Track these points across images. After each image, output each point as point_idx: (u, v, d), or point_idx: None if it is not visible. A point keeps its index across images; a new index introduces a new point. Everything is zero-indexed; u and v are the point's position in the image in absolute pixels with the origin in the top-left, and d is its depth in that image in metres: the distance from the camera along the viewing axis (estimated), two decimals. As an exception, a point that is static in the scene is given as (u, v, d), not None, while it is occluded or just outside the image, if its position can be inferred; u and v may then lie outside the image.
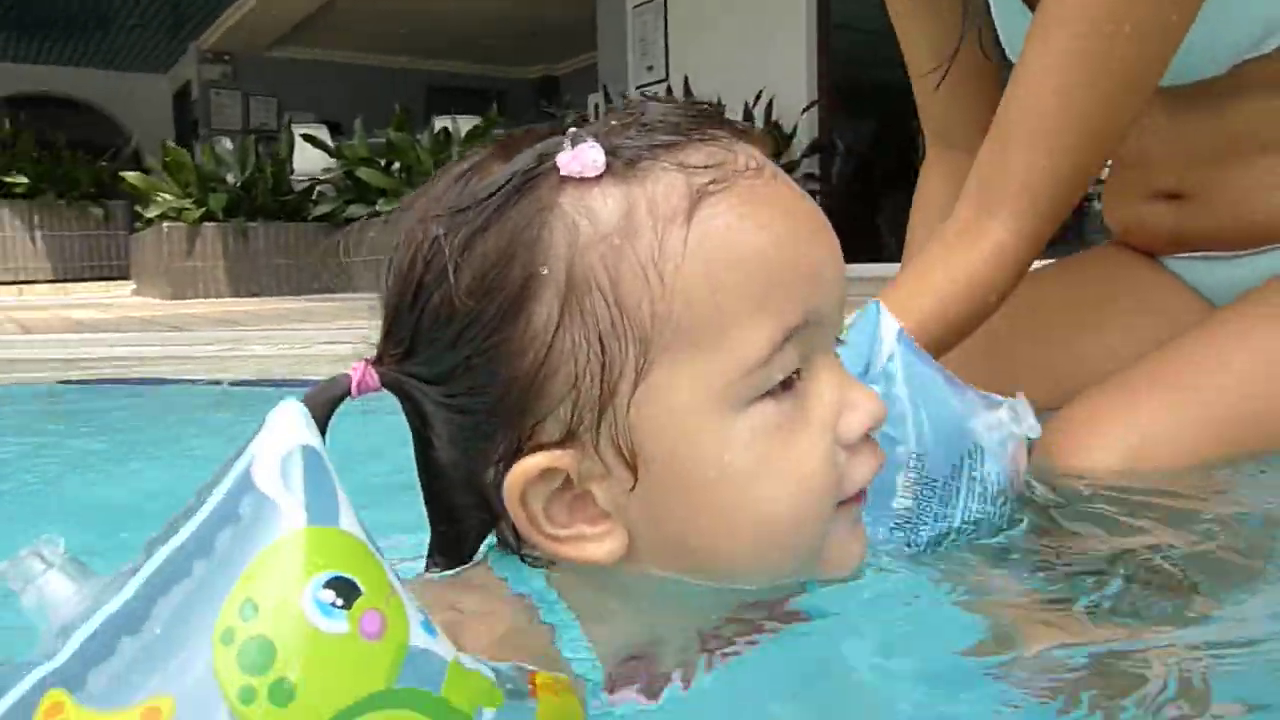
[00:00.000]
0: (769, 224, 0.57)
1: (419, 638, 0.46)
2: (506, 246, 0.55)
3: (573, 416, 0.57)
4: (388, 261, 0.58)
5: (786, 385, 0.58)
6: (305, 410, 0.50)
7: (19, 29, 11.95)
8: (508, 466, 0.57)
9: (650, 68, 8.92)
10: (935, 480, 0.80)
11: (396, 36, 11.79)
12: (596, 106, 9.05)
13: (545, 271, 0.55)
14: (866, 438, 0.61)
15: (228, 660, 0.42)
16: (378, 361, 0.57)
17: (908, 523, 0.79)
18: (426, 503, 0.62)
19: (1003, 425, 0.83)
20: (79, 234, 8.31)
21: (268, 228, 7.05)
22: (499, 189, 0.55)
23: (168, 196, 6.95)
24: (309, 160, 7.67)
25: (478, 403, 0.57)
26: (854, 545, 0.63)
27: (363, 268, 5.88)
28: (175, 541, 0.45)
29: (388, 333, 0.58)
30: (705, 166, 0.56)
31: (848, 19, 6.67)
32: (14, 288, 7.80)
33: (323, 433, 0.54)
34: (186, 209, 6.77)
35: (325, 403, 0.55)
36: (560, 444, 0.57)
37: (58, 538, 0.47)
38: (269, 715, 0.42)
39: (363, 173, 6.73)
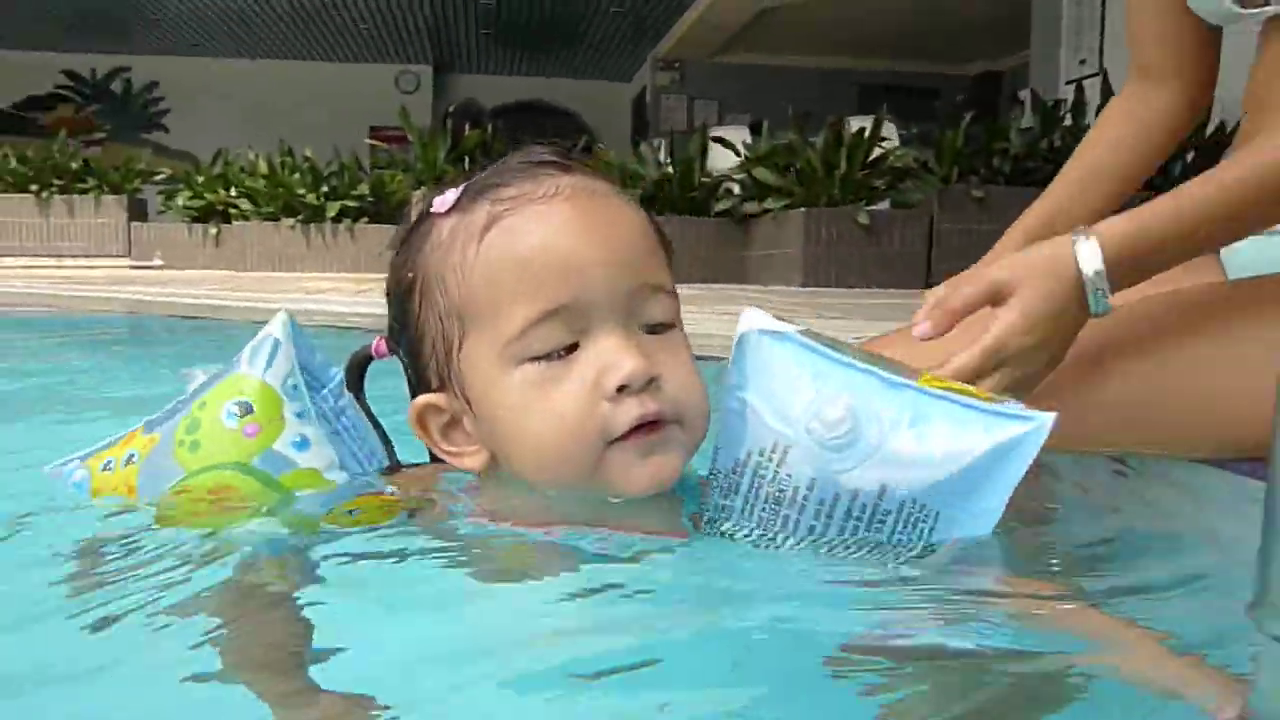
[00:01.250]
0: (535, 236, 0.80)
1: (282, 446, 0.89)
2: (401, 261, 0.89)
3: (440, 369, 0.86)
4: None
5: (565, 352, 0.80)
6: (287, 317, 0.95)
7: (506, 46, 13.99)
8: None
9: (1083, 61, 8.38)
10: (718, 471, 0.83)
11: (829, 39, 12.09)
12: (1021, 105, 8.68)
13: (411, 276, 0.87)
14: (639, 392, 0.79)
15: (180, 426, 0.90)
16: (388, 336, 0.93)
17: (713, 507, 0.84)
18: None
19: (839, 429, 0.76)
20: (532, 223, 9.64)
21: (675, 221, 7.71)
22: (410, 226, 0.90)
23: (595, 191, 7.87)
24: (729, 159, 8.24)
25: (408, 359, 0.90)
26: (639, 471, 0.81)
27: (755, 261, 6.27)
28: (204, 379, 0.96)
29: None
30: (509, 198, 0.82)
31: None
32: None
33: (361, 379, 0.99)
34: (606, 203, 7.63)
35: (360, 360, 0.98)
36: (438, 389, 0.88)
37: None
38: (182, 456, 0.88)
39: (758, 172, 7.12)
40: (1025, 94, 8.51)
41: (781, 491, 0.78)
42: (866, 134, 6.80)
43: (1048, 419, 0.74)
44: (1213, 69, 1.31)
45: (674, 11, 11.64)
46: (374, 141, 11.73)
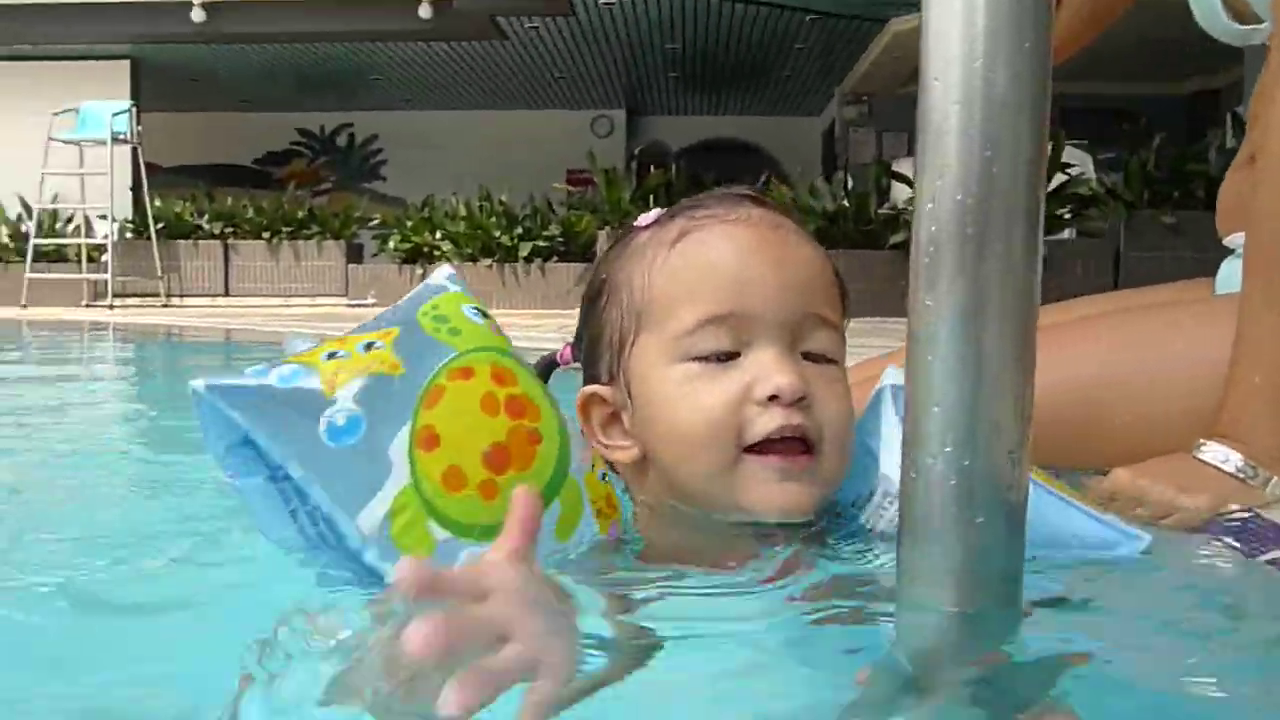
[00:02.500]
0: (718, 247, 0.89)
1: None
2: (600, 266, 0.99)
3: (610, 363, 0.94)
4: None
5: (724, 359, 0.86)
6: (452, 271, 0.95)
7: (695, 88, 14.33)
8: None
9: (1301, 75, 7.79)
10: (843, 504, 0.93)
11: (1024, 64, 11.71)
12: (1231, 118, 8.15)
13: (603, 277, 0.97)
14: (781, 408, 0.84)
15: (425, 316, 0.87)
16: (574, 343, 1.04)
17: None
18: None
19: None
20: (713, 258, 9.85)
21: (850, 255, 7.70)
22: (621, 238, 0.99)
23: (770, 227, 7.98)
24: (908, 193, 8.17)
25: (585, 355, 0.99)
26: (771, 490, 0.84)
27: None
28: None
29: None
30: (701, 217, 0.91)
31: None
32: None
33: (545, 381, 0.95)
34: (779, 238, 7.73)
35: (546, 363, 1.08)
36: (607, 383, 0.94)
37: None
38: (446, 338, 0.85)
39: (932, 203, 7.03)
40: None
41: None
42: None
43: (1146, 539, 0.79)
44: None
45: (860, 46, 11.63)
46: (563, 186, 12.31)
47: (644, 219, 0.96)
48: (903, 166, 8.88)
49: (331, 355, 0.79)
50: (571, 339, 1.07)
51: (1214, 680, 0.59)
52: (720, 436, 0.84)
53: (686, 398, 0.86)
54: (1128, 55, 11.43)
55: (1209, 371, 0.99)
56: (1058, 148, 6.69)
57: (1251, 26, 1.16)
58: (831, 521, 0.91)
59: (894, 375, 0.93)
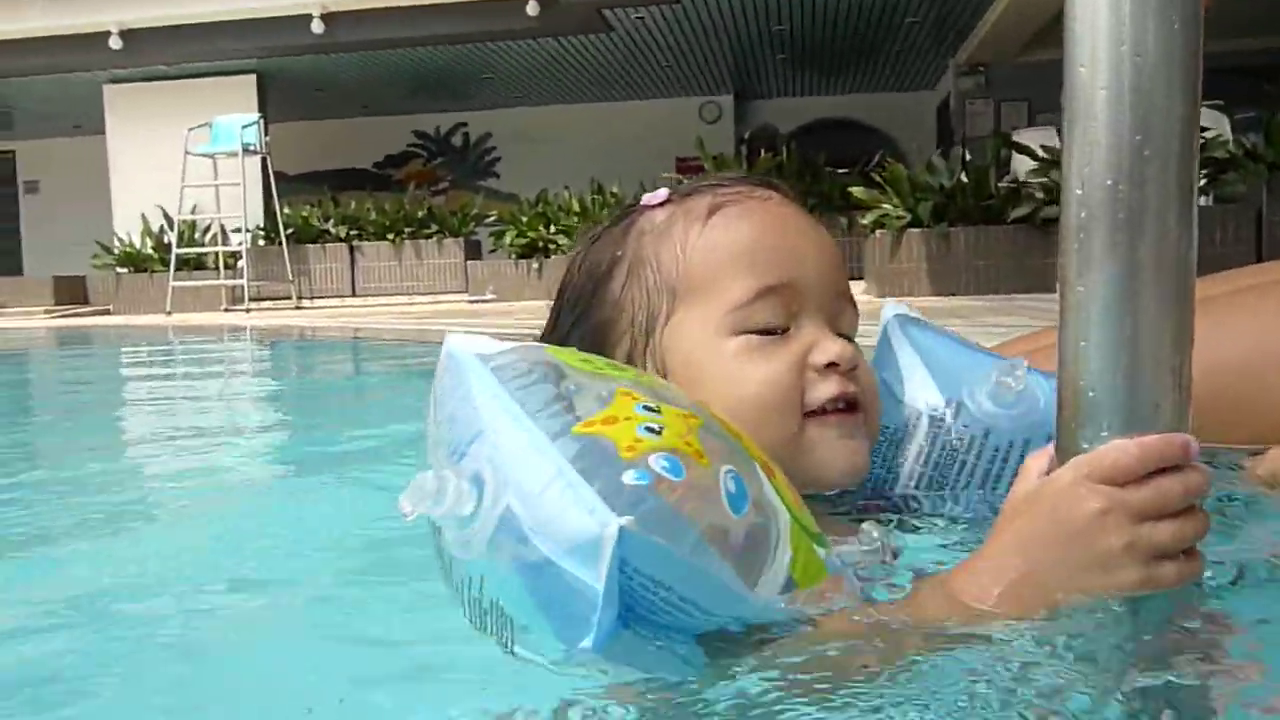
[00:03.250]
0: (760, 221, 0.89)
1: None
2: (604, 246, 0.94)
3: (631, 345, 0.90)
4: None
5: (773, 332, 0.86)
6: None
7: (804, 69, 14.13)
8: None
9: None
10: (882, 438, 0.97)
11: (1151, 23, 11.17)
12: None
13: (619, 254, 0.92)
14: (838, 375, 0.86)
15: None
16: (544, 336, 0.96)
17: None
18: None
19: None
20: (827, 241, 9.74)
21: (968, 231, 7.51)
22: (611, 220, 0.97)
23: (886, 206, 7.85)
24: (1028, 165, 7.91)
25: (584, 342, 0.91)
26: (839, 448, 0.86)
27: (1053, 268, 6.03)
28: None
29: (554, 316, 0.97)
30: (729, 193, 0.91)
31: None
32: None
33: None
34: (895, 217, 7.58)
35: None
36: (629, 361, 0.90)
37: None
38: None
39: (1056, 175, 6.80)
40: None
41: (959, 440, 0.93)
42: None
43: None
44: None
45: (973, 15, 11.29)
46: (673, 175, 12.33)
47: (651, 198, 0.94)
48: (1024, 137, 8.60)
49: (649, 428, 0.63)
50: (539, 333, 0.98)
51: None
52: (790, 402, 0.85)
53: (748, 372, 0.85)
54: (1263, 8, 10.78)
55: None
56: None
57: None
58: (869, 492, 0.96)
59: (894, 307, 1.02)
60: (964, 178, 7.59)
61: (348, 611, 0.87)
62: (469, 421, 0.61)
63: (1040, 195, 7.39)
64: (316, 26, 11.26)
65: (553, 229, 10.83)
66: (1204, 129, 6.51)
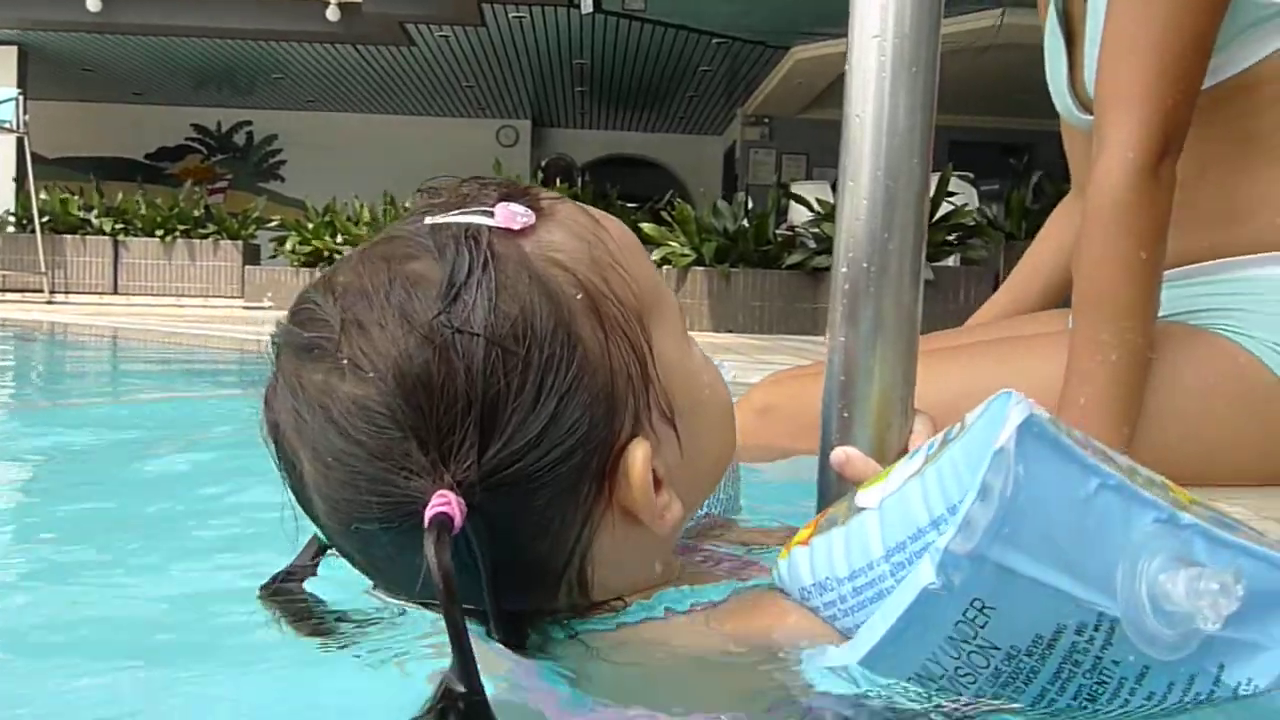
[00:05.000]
0: (615, 220, 0.70)
1: None
2: (530, 300, 0.59)
3: (635, 404, 0.63)
4: (384, 393, 0.56)
5: None
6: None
7: (601, 103, 14.54)
8: (607, 485, 0.62)
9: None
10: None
11: (916, 96, 12.25)
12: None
13: (579, 297, 0.61)
14: None
15: None
16: (454, 487, 0.55)
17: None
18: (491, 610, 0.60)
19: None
20: (615, 272, 10.02)
21: (748, 273, 7.97)
22: (473, 267, 0.59)
23: (673, 244, 8.20)
24: (808, 214, 8.48)
25: (571, 444, 0.59)
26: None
27: (825, 314, 6.59)
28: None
29: (449, 453, 0.56)
30: (557, 196, 0.68)
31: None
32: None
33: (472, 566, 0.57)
34: (681, 255, 7.94)
35: (444, 550, 0.52)
36: (633, 435, 0.63)
37: None
38: None
39: (828, 227, 7.35)
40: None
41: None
42: (932, 191, 6.96)
43: None
44: None
45: (762, 70, 11.99)
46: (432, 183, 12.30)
47: (512, 218, 0.62)
48: (802, 189, 9.23)
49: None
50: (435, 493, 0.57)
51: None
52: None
53: (710, 368, 0.73)
54: (1015, 92, 12.07)
55: (1054, 390, 1.18)
56: (944, 178, 7.07)
57: (1092, 116, 1.36)
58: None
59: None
60: (746, 223, 8.05)
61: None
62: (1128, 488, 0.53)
63: (813, 245, 7.96)
64: (92, 4, 10.55)
65: (339, 239, 10.58)
66: (952, 194, 7.23)
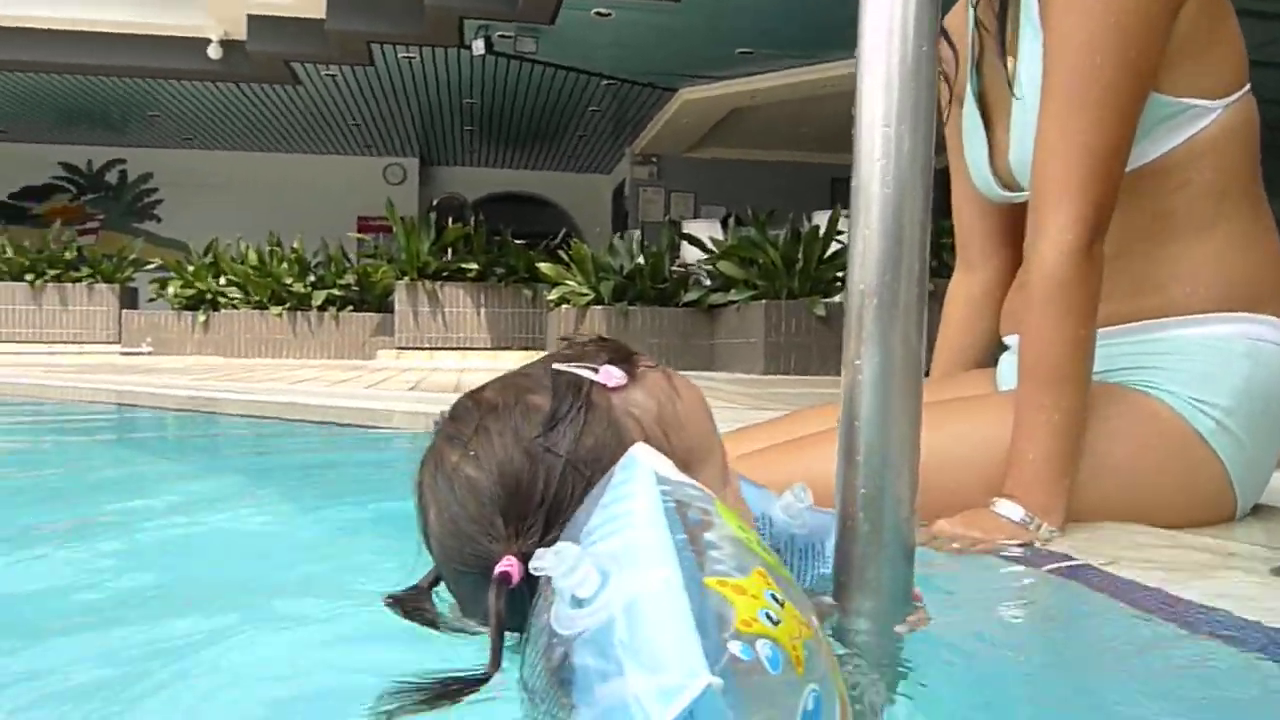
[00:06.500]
0: (692, 385, 0.90)
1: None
2: (601, 439, 0.79)
3: None
4: (489, 480, 0.78)
5: None
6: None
7: (490, 141, 14.56)
8: None
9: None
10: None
11: (800, 136, 12.68)
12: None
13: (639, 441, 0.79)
14: None
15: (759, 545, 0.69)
16: (519, 555, 0.74)
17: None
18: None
19: None
20: (511, 310, 10.01)
21: (645, 311, 8.08)
22: (572, 407, 0.80)
23: (571, 283, 8.26)
24: (700, 252, 8.67)
25: None
26: None
27: (721, 349, 6.63)
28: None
29: (521, 531, 0.76)
30: (653, 366, 0.88)
31: None
32: (459, 353, 9.63)
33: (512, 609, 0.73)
34: (579, 294, 8.01)
35: (500, 597, 0.73)
36: None
37: None
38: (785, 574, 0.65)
39: (723, 265, 7.53)
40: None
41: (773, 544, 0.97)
42: (822, 231, 7.21)
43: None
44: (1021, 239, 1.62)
45: (649, 110, 12.22)
46: (359, 235, 12.17)
47: (609, 379, 0.83)
48: (692, 226, 9.43)
49: (768, 617, 0.60)
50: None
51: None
52: None
53: (743, 505, 0.94)
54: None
55: (997, 451, 1.28)
56: (834, 218, 7.33)
57: (1014, 194, 1.48)
58: None
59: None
60: (642, 261, 8.17)
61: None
62: (619, 518, 0.64)
63: (707, 282, 8.13)
64: (-48, 38, 10.07)
65: (223, 281, 10.29)
66: (840, 233, 7.52)
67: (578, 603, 0.59)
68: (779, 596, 0.61)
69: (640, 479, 0.68)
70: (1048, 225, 1.22)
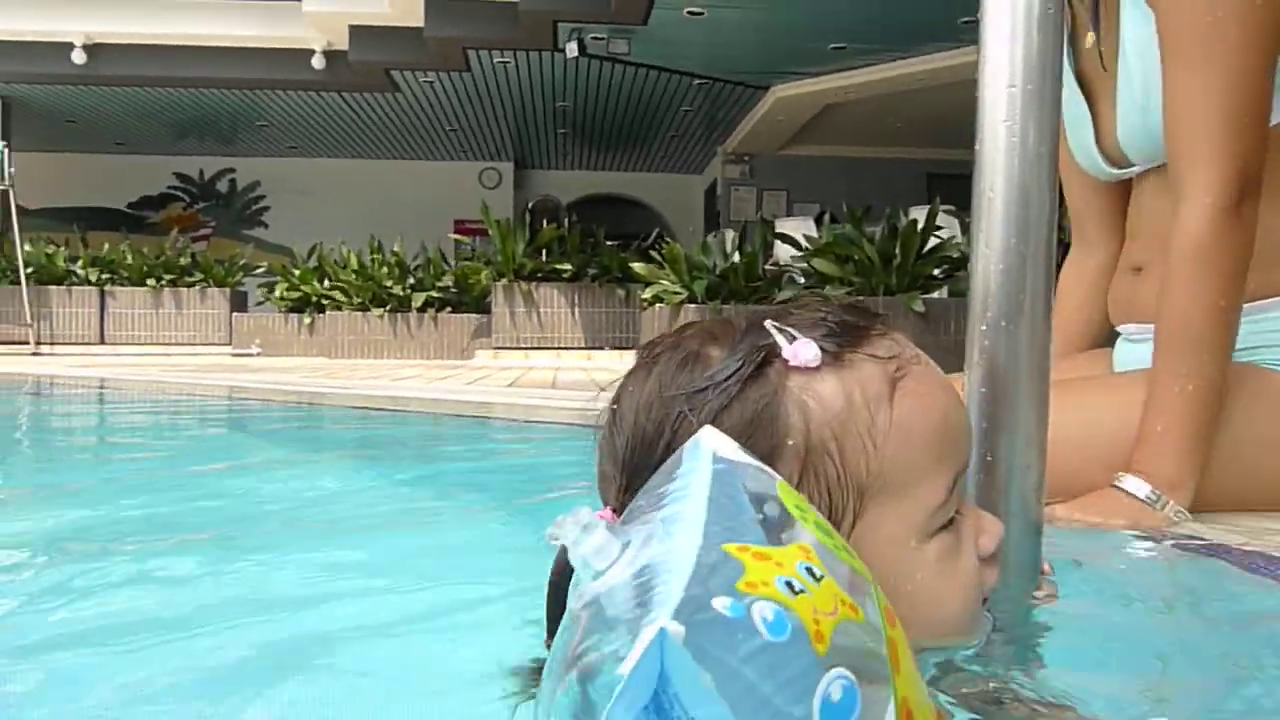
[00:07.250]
0: (939, 400, 0.75)
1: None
2: (750, 420, 0.68)
3: None
4: (617, 429, 0.72)
5: (950, 520, 0.76)
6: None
7: (583, 144, 14.69)
8: None
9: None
10: None
11: (894, 131, 12.49)
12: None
13: (791, 443, 0.69)
14: (994, 559, 0.80)
15: (817, 528, 0.57)
16: (615, 513, 0.68)
17: None
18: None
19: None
20: (605, 310, 10.10)
21: (738, 309, 8.05)
22: (733, 374, 0.68)
23: (664, 282, 8.29)
24: (791, 251, 8.61)
25: None
26: (984, 624, 0.80)
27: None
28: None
29: (628, 486, 0.69)
30: (890, 357, 0.73)
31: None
32: (554, 352, 9.75)
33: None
34: (673, 293, 8.03)
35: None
36: None
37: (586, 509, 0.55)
38: (847, 559, 0.56)
39: (818, 263, 7.45)
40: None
41: None
42: (920, 226, 7.08)
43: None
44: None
45: (741, 110, 12.18)
46: (457, 236, 12.42)
47: (799, 357, 0.70)
48: (785, 224, 9.36)
49: (791, 586, 0.52)
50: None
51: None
52: (975, 601, 0.78)
53: (947, 573, 0.76)
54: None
55: (1118, 431, 1.24)
56: (932, 213, 7.20)
57: (1123, 170, 1.45)
58: None
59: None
60: (736, 259, 8.15)
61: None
62: (664, 497, 0.57)
63: (801, 280, 8.06)
64: (78, 57, 10.59)
65: (327, 284, 10.61)
66: (939, 228, 7.37)
67: (594, 574, 0.53)
68: (817, 572, 0.53)
69: (697, 460, 0.59)
70: (1187, 189, 1.19)
